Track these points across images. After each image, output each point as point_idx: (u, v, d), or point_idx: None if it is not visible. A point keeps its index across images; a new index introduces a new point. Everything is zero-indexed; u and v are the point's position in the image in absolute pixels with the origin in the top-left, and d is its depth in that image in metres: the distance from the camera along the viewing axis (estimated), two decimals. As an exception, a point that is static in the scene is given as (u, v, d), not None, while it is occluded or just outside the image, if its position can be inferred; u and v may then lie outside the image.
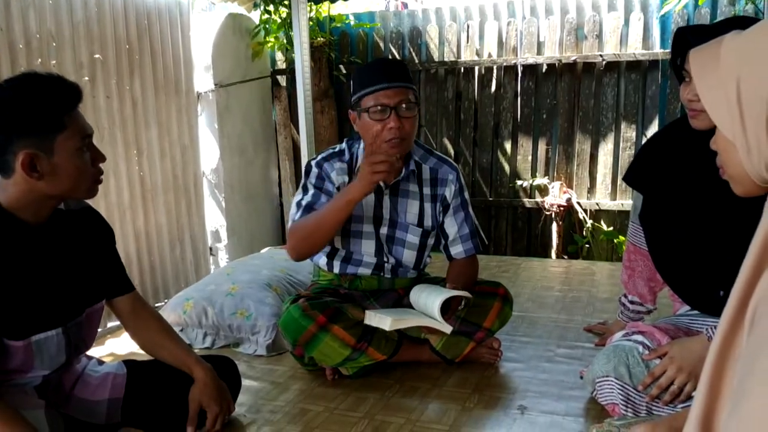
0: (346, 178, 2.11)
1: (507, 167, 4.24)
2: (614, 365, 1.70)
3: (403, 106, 1.95)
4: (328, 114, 4.36)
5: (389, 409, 1.92)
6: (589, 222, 4.05)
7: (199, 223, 3.70)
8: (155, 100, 3.31)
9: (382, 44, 4.40)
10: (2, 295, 1.40)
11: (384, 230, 2.15)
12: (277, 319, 2.31)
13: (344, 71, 4.40)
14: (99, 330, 1.78)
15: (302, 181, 2.15)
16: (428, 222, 2.17)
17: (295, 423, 1.86)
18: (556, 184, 4.10)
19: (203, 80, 3.82)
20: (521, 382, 2.08)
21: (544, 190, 4.15)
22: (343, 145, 2.18)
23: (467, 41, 4.21)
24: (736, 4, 3.67)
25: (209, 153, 3.89)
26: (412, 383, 2.09)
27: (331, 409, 1.93)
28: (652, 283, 2.03)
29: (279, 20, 4.22)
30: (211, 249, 3.90)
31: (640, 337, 1.73)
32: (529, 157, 4.18)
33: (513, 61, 4.08)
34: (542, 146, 4.15)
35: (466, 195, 2.23)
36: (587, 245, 4.07)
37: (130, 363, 1.79)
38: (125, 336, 1.86)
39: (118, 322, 2.08)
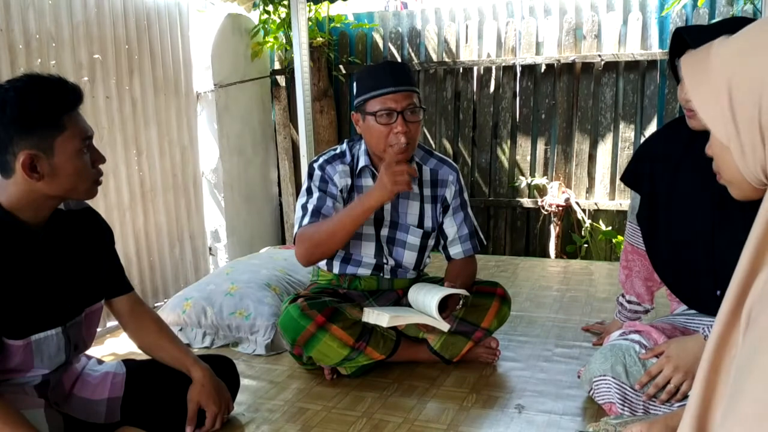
0: (349, 181, 2.11)
1: (506, 167, 4.24)
2: (611, 364, 1.71)
3: (410, 110, 1.95)
4: (327, 114, 4.36)
5: (387, 409, 1.93)
6: (588, 222, 4.05)
7: (198, 223, 3.71)
8: (155, 100, 3.32)
9: (381, 44, 4.40)
10: (2, 295, 1.40)
11: (385, 232, 2.15)
12: (276, 319, 2.31)
13: (343, 71, 4.41)
14: (98, 330, 1.78)
15: (305, 183, 2.13)
16: (428, 223, 2.18)
17: (293, 422, 1.86)
18: (555, 184, 4.10)
19: (202, 80, 3.82)
20: (519, 382, 2.09)
21: (542, 190, 4.16)
22: (344, 146, 2.17)
23: (466, 41, 4.21)
24: (735, 5, 3.68)
25: (208, 153, 3.89)
26: (411, 382, 2.09)
27: (330, 408, 1.94)
28: (650, 282, 2.03)
29: (278, 20, 4.22)
30: (210, 249, 3.91)
31: (637, 337, 1.74)
32: (528, 157, 4.18)
33: (512, 62, 4.08)
34: (541, 146, 4.16)
35: (466, 195, 2.23)
36: (586, 245, 4.07)
37: (129, 362, 1.80)
38: (125, 336, 1.87)
39: (117, 322, 2.08)
